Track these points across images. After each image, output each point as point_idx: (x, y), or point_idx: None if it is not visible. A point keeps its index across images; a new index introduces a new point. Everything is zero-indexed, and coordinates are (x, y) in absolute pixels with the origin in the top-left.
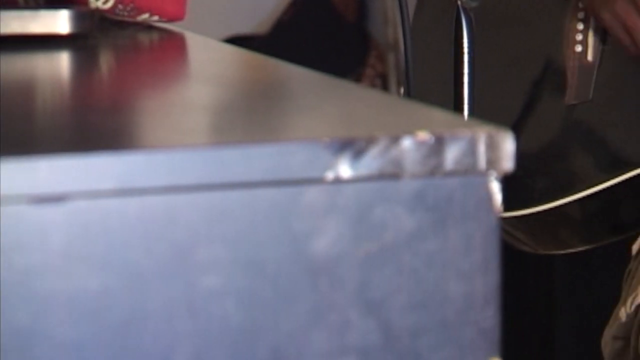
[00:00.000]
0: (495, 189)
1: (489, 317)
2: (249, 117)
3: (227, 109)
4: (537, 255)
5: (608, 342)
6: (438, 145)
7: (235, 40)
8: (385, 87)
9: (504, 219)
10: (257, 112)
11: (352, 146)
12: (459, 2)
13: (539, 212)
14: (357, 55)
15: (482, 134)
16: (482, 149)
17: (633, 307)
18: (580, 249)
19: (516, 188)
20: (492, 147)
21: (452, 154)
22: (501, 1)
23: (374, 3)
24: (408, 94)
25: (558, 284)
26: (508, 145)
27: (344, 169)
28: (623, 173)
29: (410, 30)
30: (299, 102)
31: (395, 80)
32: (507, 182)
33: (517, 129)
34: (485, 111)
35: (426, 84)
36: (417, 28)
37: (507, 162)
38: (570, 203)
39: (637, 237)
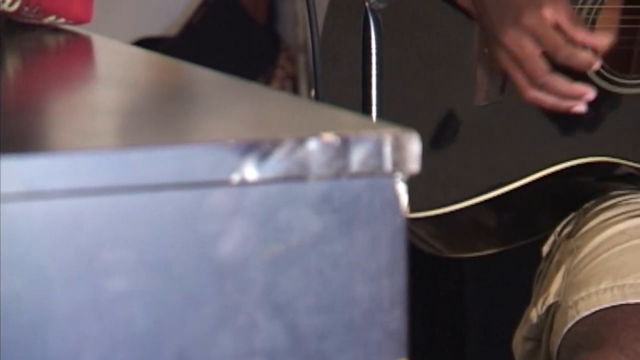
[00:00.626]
0: (402, 190)
1: (395, 318)
2: (155, 120)
3: (133, 112)
4: (447, 258)
5: (519, 343)
6: (344, 147)
7: (145, 42)
8: (295, 88)
9: (414, 221)
10: (164, 115)
11: (258, 148)
12: (366, 4)
13: (450, 214)
14: (267, 57)
15: (387, 136)
16: (387, 150)
17: (544, 308)
18: (491, 251)
19: (426, 189)
20: (398, 148)
21: (357, 156)
22: (411, 2)
23: (284, 5)
24: (317, 96)
25: (468, 285)
26: (414, 146)
27: (250, 171)
28: (533, 174)
29: (318, 32)
30: (205, 104)
31: (305, 82)
32: (417, 183)
33: (428, 131)
34: (396, 113)
35: (337, 85)
36: (327, 29)
37: (413, 163)
38: (480, 205)
39: (548, 238)
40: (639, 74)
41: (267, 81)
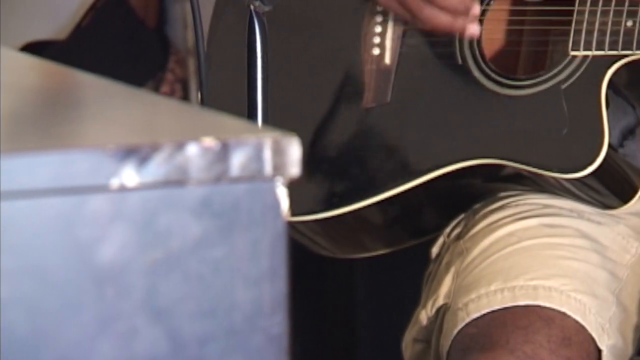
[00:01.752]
0: (282, 194)
1: (277, 323)
2: (35, 125)
3: (13, 117)
4: (337, 259)
5: (408, 344)
6: (223, 152)
7: (34, 46)
8: (185, 92)
9: (304, 223)
10: (44, 120)
11: (137, 153)
12: (251, 7)
13: (338, 216)
14: (157, 61)
15: (267, 140)
16: (268, 154)
17: (434, 309)
18: (380, 252)
19: (315, 192)
20: (278, 152)
21: (237, 160)
22: (298, 5)
23: (174, 8)
24: (202, 100)
25: (359, 287)
26: (294, 150)
27: (129, 177)
28: (421, 176)
29: (203, 36)
30: (87, 110)
31: (195, 86)
32: (306, 186)
33: (316, 133)
34: (284, 116)
35: (224, 89)
36: (214, 33)
37: (294, 167)
38: (369, 206)
39: (437, 240)
40: (526, 76)
41: (157, 85)
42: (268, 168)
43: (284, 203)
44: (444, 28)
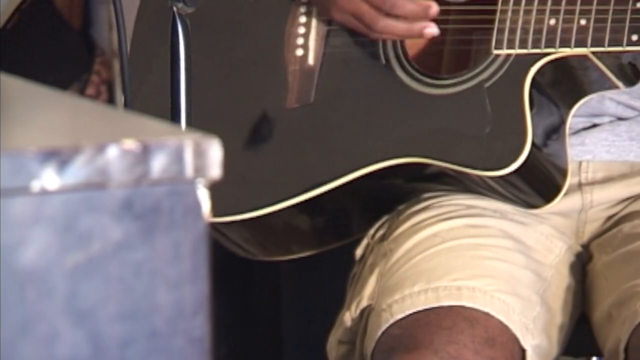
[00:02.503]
0: (203, 196)
1: (198, 325)
2: None
3: None
4: (263, 261)
5: (333, 346)
6: (144, 154)
7: None
8: (111, 94)
9: (228, 225)
10: None
11: (58, 156)
12: (174, 8)
13: (262, 217)
14: (83, 62)
15: (188, 142)
16: (188, 156)
17: (358, 311)
18: (305, 254)
19: (240, 193)
20: (199, 154)
21: (158, 162)
22: (222, 6)
23: (99, 9)
24: (125, 102)
25: (285, 289)
26: (215, 152)
27: (50, 179)
28: (345, 175)
29: (125, 38)
30: (8, 112)
31: (120, 87)
32: (230, 187)
33: (240, 134)
34: (209, 118)
35: (149, 91)
36: (137, 35)
37: (214, 169)
38: (293, 207)
39: (361, 241)
40: (449, 75)
41: (83, 87)
42: (189, 170)
43: (205, 205)
44: (402, 36)
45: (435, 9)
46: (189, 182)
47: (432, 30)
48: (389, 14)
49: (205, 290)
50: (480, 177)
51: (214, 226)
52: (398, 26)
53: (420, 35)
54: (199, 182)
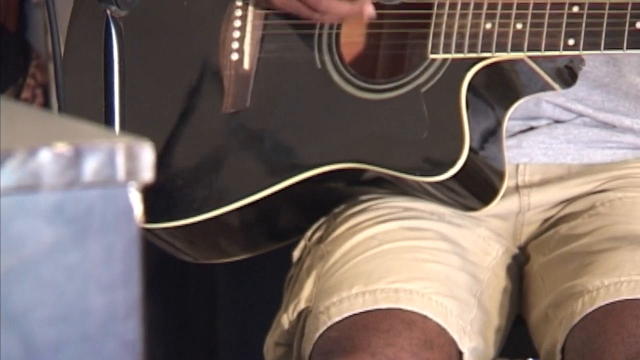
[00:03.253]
0: (135, 199)
1: (131, 329)
2: None
3: None
4: (199, 263)
5: (270, 348)
6: (76, 157)
7: None
8: (46, 97)
9: (165, 230)
10: None
11: None
12: (107, 11)
13: (198, 222)
14: (18, 66)
15: (120, 146)
16: (120, 160)
17: (295, 313)
18: (241, 257)
19: (176, 198)
20: (131, 158)
21: (90, 166)
22: (158, 10)
23: (35, 13)
24: (59, 105)
25: (221, 291)
26: (147, 156)
27: None
28: (282, 181)
29: (59, 41)
30: None
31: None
32: (166, 192)
33: (177, 139)
34: (144, 122)
35: (83, 95)
36: (71, 38)
37: (146, 172)
38: (231, 212)
39: (298, 243)
40: (385, 79)
41: (18, 90)
42: (121, 173)
43: (137, 208)
44: (344, 15)
45: None
46: (121, 186)
47: (371, 11)
48: None
49: (138, 293)
50: (417, 182)
51: (150, 230)
52: (341, 6)
53: (360, 14)
54: (131, 186)
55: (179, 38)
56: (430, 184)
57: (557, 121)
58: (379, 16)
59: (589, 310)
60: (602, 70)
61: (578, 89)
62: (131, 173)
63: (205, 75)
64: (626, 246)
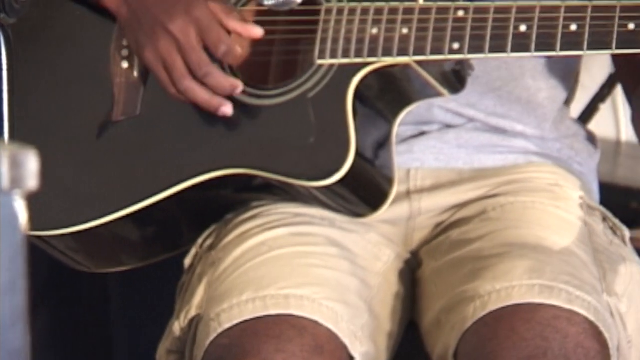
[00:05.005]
0: (20, 207)
1: (17, 337)
2: None
3: None
4: (92, 272)
5: (163, 355)
6: None
7: None
8: None
9: (56, 238)
10: None
11: None
12: None
13: (90, 230)
14: None
15: (4, 154)
16: (4, 168)
17: (186, 320)
18: (136, 265)
19: (66, 206)
20: (16, 166)
21: None
22: (50, 18)
23: None
24: None
25: (114, 299)
26: (31, 164)
27: None
28: (172, 187)
29: None
30: None
31: None
32: (57, 200)
33: (68, 147)
34: (36, 130)
35: None
36: None
37: (31, 181)
38: (122, 220)
39: (190, 251)
40: (277, 86)
41: None
42: (5, 181)
43: (22, 216)
44: (199, 104)
45: (239, 90)
46: (5, 194)
47: (228, 110)
48: (196, 78)
49: (24, 301)
50: (305, 187)
51: (42, 238)
52: (200, 93)
53: (214, 111)
54: (16, 194)
55: (71, 46)
56: (318, 189)
57: (449, 126)
58: (269, 23)
59: (481, 315)
60: (494, 74)
61: (470, 94)
62: (16, 181)
63: (97, 83)
64: (517, 251)
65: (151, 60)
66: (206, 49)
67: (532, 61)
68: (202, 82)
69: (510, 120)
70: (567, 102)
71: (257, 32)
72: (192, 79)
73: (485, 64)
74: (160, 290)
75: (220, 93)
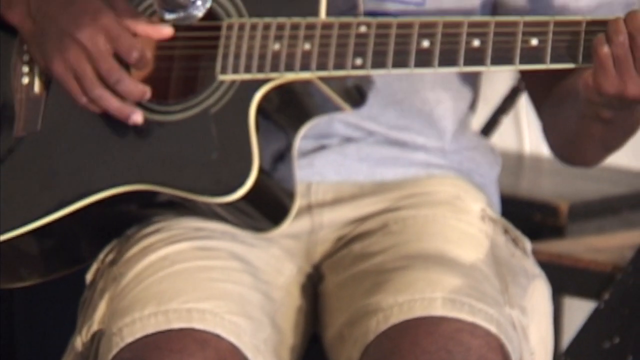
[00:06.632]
0: None
1: None
2: None
3: None
4: None
5: None
6: None
7: None
8: None
9: None
10: None
11: None
12: None
13: None
14: None
15: None
16: None
17: (89, 335)
18: (37, 281)
19: None
20: None
21: None
22: None
23: None
24: None
25: (18, 315)
26: None
27: None
28: (73, 204)
29: None
30: None
31: None
32: None
33: None
34: None
35: None
36: None
37: None
38: (23, 236)
39: (92, 266)
40: (179, 101)
41: None
42: None
43: None
44: (111, 111)
45: (147, 96)
46: None
47: (139, 119)
48: (107, 86)
49: None
50: (207, 203)
51: None
52: (112, 101)
53: (126, 119)
54: None
55: None
56: (220, 205)
57: (349, 139)
58: (170, 38)
59: (384, 328)
60: (395, 86)
61: (371, 106)
62: None
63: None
64: (419, 264)
65: (61, 71)
66: (115, 56)
67: (433, 73)
68: (113, 90)
69: (412, 132)
70: (468, 114)
71: (167, 31)
72: (103, 86)
73: (386, 76)
74: (64, 305)
75: (131, 99)
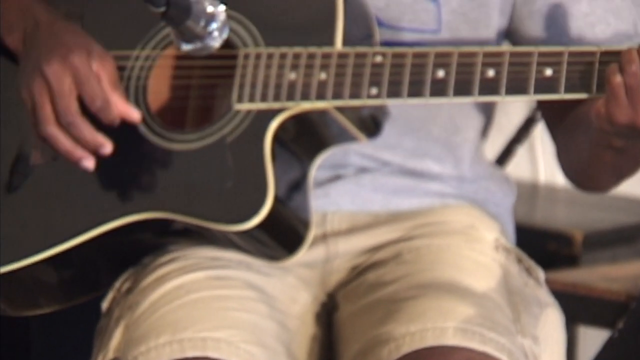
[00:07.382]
0: None
1: None
2: None
3: None
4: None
5: None
6: None
7: None
8: None
9: None
10: None
11: None
12: None
13: (9, 274)
14: None
15: None
16: None
17: None
18: (54, 308)
19: None
20: None
21: None
22: None
23: None
24: None
25: (34, 343)
26: None
27: None
28: (90, 231)
29: None
30: None
31: None
32: None
33: None
34: None
35: None
36: None
37: None
38: (40, 263)
39: (108, 294)
40: (195, 130)
41: None
42: None
43: None
44: (59, 152)
45: (107, 150)
46: None
47: (89, 165)
48: (62, 126)
49: None
50: (222, 231)
51: None
52: (63, 142)
53: (75, 163)
54: None
55: None
56: (236, 233)
57: (364, 169)
58: (188, 67)
59: (395, 357)
60: (413, 114)
61: (387, 135)
62: None
63: (19, 129)
64: (432, 293)
65: (25, 99)
66: (80, 100)
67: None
68: (67, 131)
69: (429, 160)
70: (482, 142)
71: (136, 115)
72: (58, 125)
73: (403, 105)
74: (80, 333)
75: (83, 146)
